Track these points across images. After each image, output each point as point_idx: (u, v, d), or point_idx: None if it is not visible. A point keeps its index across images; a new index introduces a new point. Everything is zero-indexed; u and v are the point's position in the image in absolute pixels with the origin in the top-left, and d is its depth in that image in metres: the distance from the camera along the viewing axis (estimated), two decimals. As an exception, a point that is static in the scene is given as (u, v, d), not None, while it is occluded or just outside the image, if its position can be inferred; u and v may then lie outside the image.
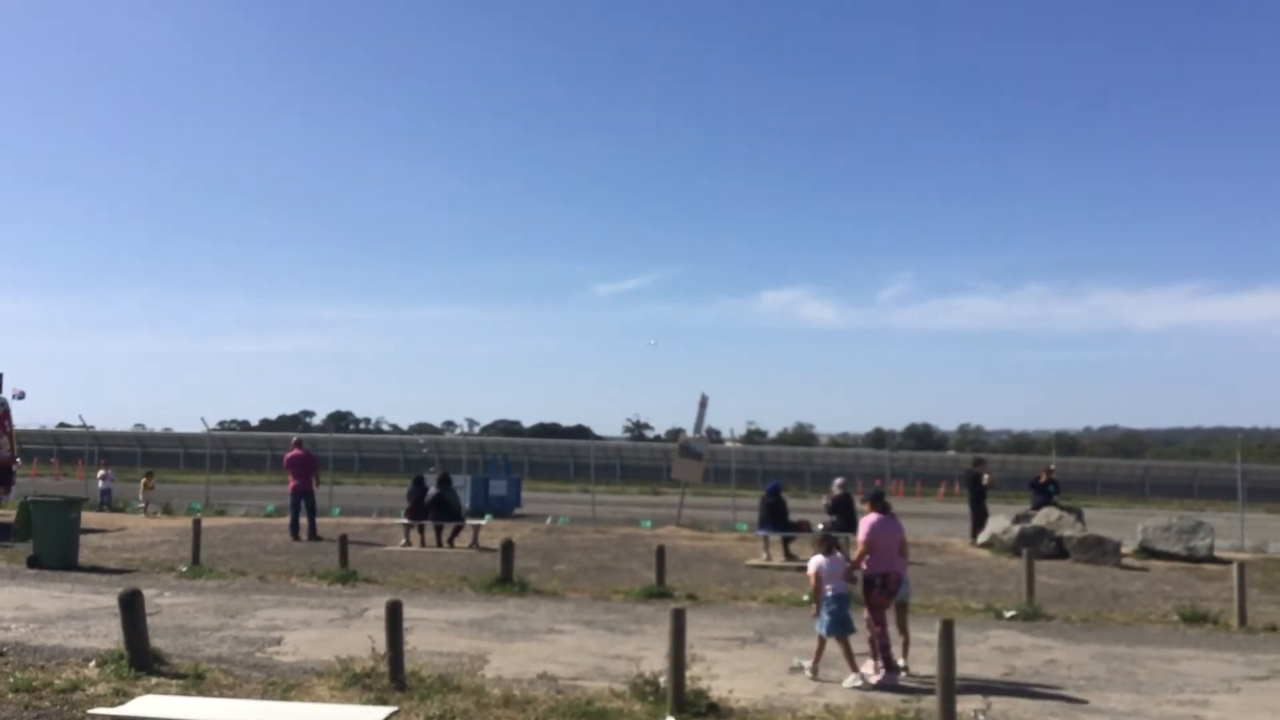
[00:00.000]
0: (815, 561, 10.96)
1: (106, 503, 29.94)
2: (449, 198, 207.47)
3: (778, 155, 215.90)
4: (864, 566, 11.10)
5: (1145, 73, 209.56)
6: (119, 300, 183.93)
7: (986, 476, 23.92)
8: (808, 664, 10.85)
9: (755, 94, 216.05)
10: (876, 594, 10.96)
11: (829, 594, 10.68)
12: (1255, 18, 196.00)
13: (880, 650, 10.67)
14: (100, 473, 31.29)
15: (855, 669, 10.51)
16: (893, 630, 11.05)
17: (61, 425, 62.36)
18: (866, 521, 11.26)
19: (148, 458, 62.40)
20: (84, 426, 35.37)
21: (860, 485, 36.37)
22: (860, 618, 10.90)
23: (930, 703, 8.80)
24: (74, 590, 15.41)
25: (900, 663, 10.97)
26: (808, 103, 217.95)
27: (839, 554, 11.24)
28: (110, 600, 12.31)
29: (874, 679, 10.46)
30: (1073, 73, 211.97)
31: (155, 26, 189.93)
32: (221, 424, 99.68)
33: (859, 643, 10.80)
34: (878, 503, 11.37)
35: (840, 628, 10.61)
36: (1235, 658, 12.24)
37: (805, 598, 11.43)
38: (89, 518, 23.44)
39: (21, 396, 25.41)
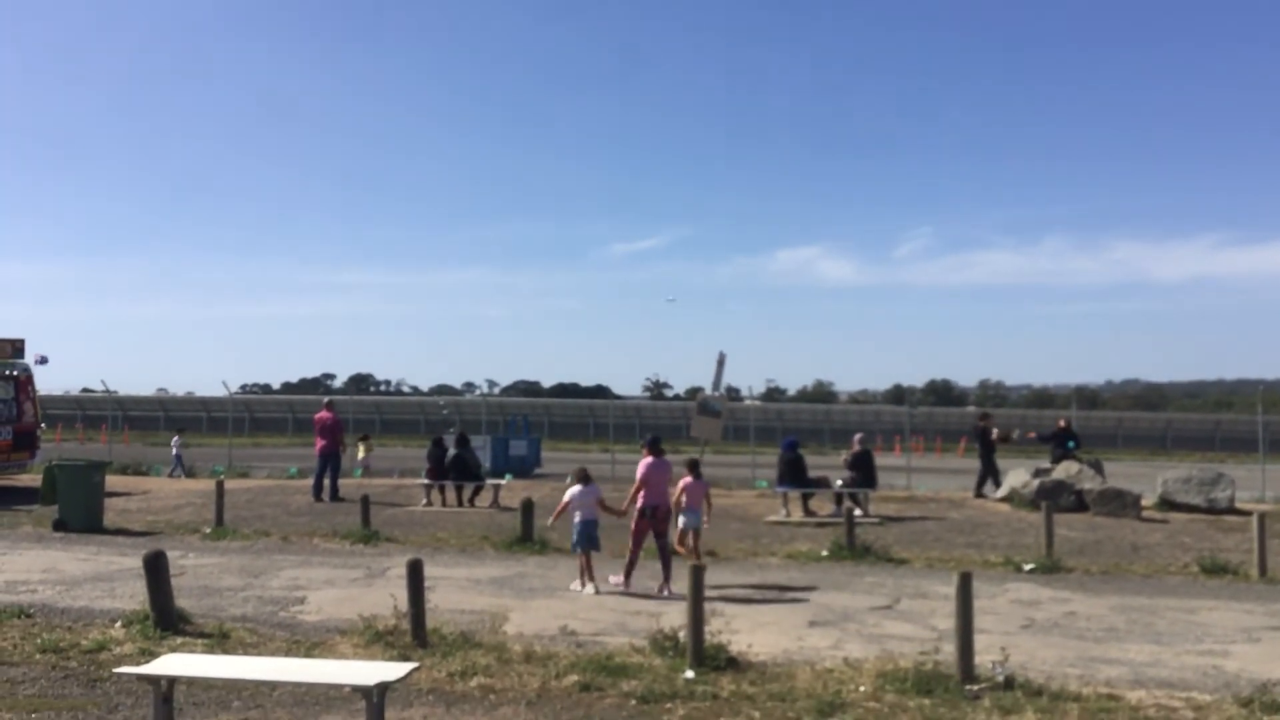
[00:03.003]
0: (571, 491, 13.27)
1: (180, 468, 29.87)
2: (466, 161, 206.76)
3: (793, 111, 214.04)
4: (641, 500, 13.18)
5: (1166, 20, 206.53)
6: (141, 265, 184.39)
7: (996, 431, 23.81)
8: (575, 583, 12.93)
9: (770, 50, 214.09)
10: (643, 522, 13.21)
11: (578, 519, 13.02)
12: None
13: (629, 563, 13.10)
14: (174, 439, 31.40)
15: (591, 581, 12.82)
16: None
17: (85, 390, 62.81)
18: (643, 463, 13.40)
19: (170, 421, 62.89)
20: (107, 391, 35.66)
21: (879, 441, 36.36)
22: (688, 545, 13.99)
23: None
24: (99, 552, 15.58)
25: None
26: (823, 58, 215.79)
27: (593, 485, 13.47)
28: (135, 562, 12.44)
29: (613, 580, 13.01)
30: (1091, 21, 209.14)
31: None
32: (243, 387, 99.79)
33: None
34: (654, 447, 13.62)
35: (584, 545, 12.95)
36: (1255, 608, 12.24)
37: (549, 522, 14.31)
38: (117, 481, 23.67)
39: (44, 361, 25.60)
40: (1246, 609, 12.17)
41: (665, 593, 12.75)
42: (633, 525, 13.37)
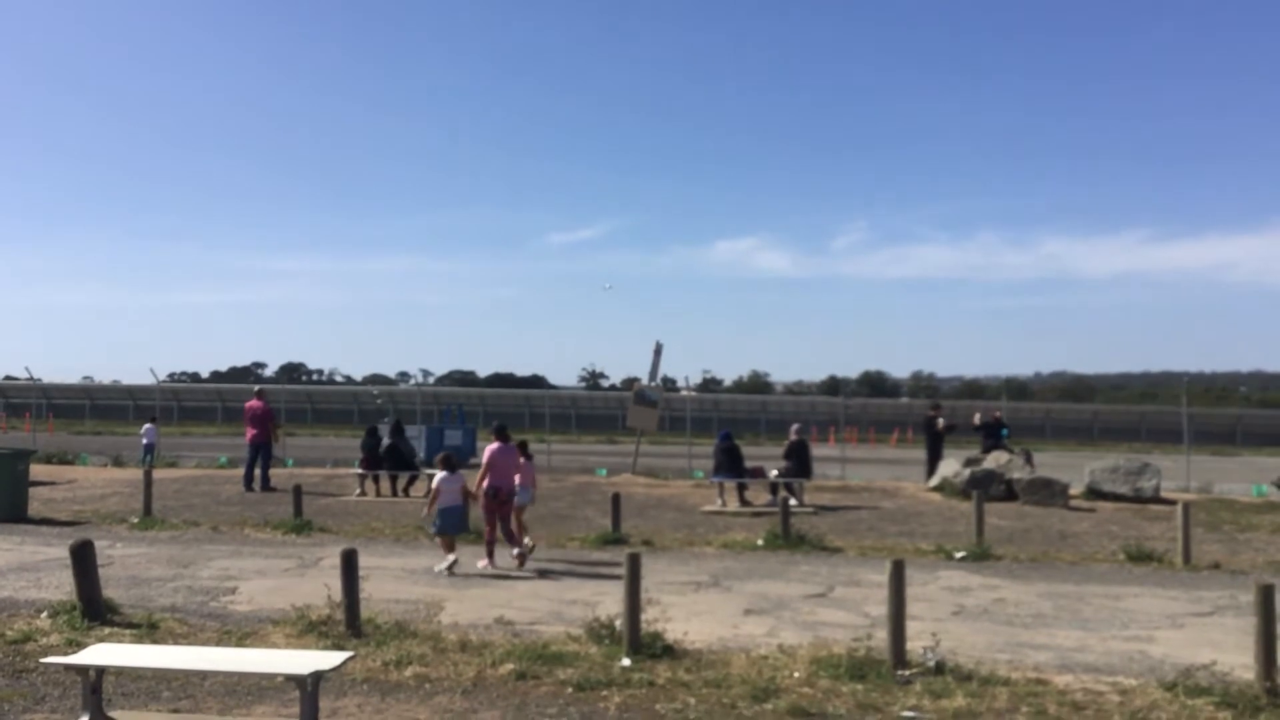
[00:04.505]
0: (438, 477, 13.93)
1: (150, 457, 29.04)
2: (401, 147, 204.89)
3: (730, 103, 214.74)
4: (486, 482, 13.86)
5: (1095, 17, 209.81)
6: (66, 251, 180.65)
7: (941, 421, 24.15)
8: (442, 565, 13.33)
9: (707, 41, 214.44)
10: (489, 502, 13.92)
11: (443, 506, 13.57)
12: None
13: (488, 544, 13.87)
14: (145, 426, 30.45)
15: (448, 560, 13.36)
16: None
17: (8, 378, 61.55)
18: (489, 448, 14.20)
19: (96, 410, 61.82)
20: (31, 379, 34.90)
21: (815, 432, 36.64)
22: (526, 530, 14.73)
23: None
24: (24, 542, 15.28)
25: (525, 543, 14.25)
26: (760, 50, 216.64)
27: (459, 473, 14.12)
28: (61, 552, 12.22)
29: (480, 565, 13.64)
30: (1023, 18, 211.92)
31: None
32: (172, 376, 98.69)
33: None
34: (500, 434, 14.36)
35: (445, 529, 13.54)
36: (1179, 594, 12.51)
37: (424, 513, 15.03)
38: (42, 470, 23.20)
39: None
40: (1171, 595, 12.44)
41: (493, 563, 13.74)
42: (482, 508, 14.10)
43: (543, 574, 13.40)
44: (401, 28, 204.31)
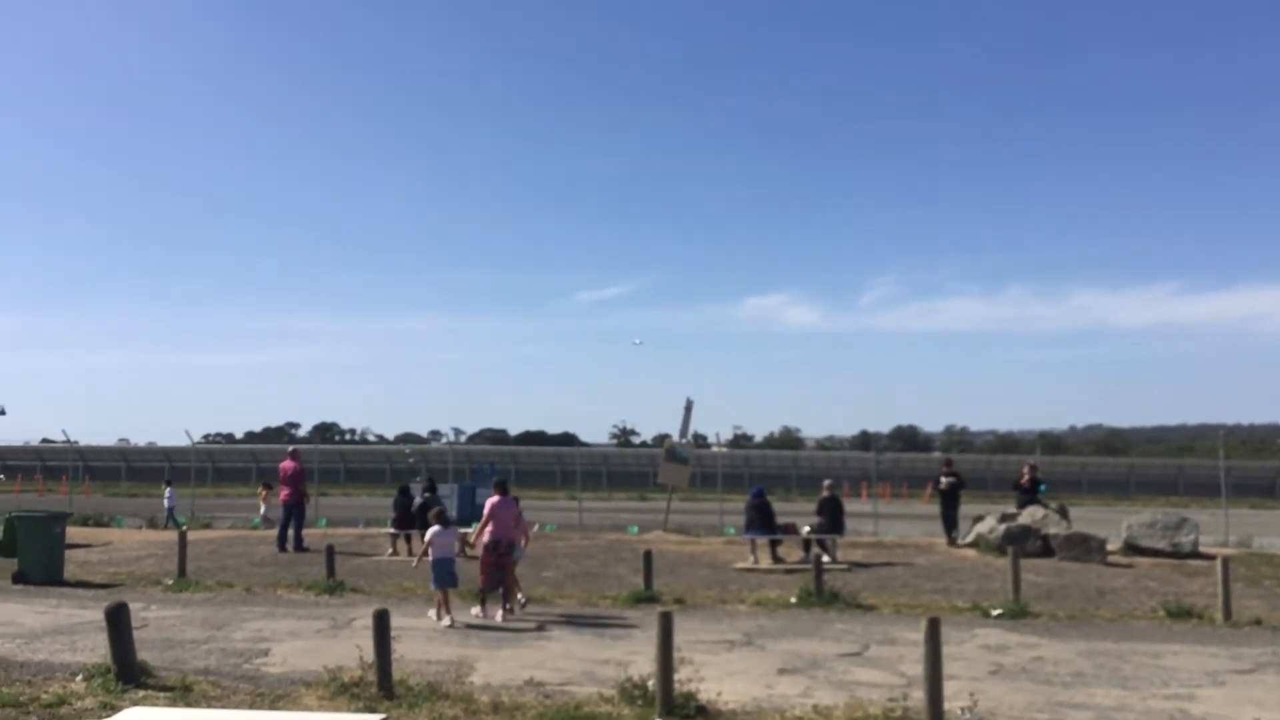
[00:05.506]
0: (431, 531, 14.41)
1: (172, 520, 29.40)
2: (432, 205, 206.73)
3: (758, 159, 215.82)
4: (486, 535, 14.60)
5: (1126, 71, 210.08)
6: (101, 314, 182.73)
7: (943, 480, 23.64)
8: (432, 612, 14.02)
9: (735, 97, 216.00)
10: (488, 554, 14.57)
11: (435, 558, 14.03)
12: (1235, 16, 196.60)
13: (481, 594, 14.50)
14: (167, 490, 30.89)
15: (448, 614, 13.81)
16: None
17: (45, 441, 62.13)
18: (489, 501, 14.96)
19: (132, 472, 62.29)
20: (68, 442, 35.21)
21: (847, 488, 36.47)
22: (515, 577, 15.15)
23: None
24: (60, 605, 15.35)
25: (515, 602, 14.75)
26: (788, 105, 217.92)
27: (452, 527, 14.92)
28: (96, 614, 12.26)
29: (473, 612, 14.27)
30: (1052, 72, 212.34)
31: (130, 34, 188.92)
32: (206, 437, 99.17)
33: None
34: (500, 488, 15.20)
35: (441, 582, 13.96)
36: (1220, 651, 12.31)
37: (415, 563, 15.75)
38: (78, 532, 23.36)
39: (2, 413, 25.33)
40: (1212, 653, 12.24)
41: (510, 614, 14.33)
42: (481, 559, 14.81)
43: (541, 627, 13.68)
44: (426, 86, 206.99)
